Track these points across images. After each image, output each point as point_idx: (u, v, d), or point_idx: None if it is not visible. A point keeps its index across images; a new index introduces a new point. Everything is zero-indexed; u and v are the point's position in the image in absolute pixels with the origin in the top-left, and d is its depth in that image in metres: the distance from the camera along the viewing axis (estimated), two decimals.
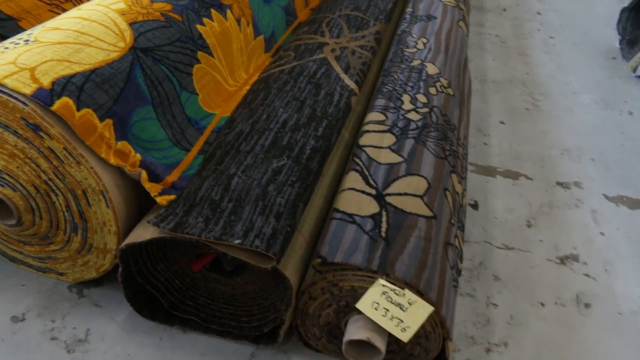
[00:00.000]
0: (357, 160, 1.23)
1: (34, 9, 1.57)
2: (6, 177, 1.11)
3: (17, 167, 1.09)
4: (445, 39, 1.83)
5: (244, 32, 1.55)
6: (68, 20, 1.22)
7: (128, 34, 1.21)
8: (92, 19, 1.22)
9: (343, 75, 1.48)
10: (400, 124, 1.35)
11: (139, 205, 1.16)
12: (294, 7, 1.89)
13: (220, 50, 1.42)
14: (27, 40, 1.13)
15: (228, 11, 1.50)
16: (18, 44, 1.13)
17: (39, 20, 1.55)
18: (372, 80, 1.65)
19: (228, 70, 1.44)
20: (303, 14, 1.96)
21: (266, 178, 1.09)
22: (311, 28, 1.76)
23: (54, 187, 1.09)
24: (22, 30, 1.50)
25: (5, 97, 1.00)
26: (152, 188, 1.08)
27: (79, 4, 1.69)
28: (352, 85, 1.45)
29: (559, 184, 1.80)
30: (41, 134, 1.02)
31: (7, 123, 1.03)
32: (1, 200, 1.16)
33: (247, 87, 1.47)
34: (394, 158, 1.24)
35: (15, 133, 1.04)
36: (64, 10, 1.63)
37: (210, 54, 1.38)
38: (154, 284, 1.17)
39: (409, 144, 1.29)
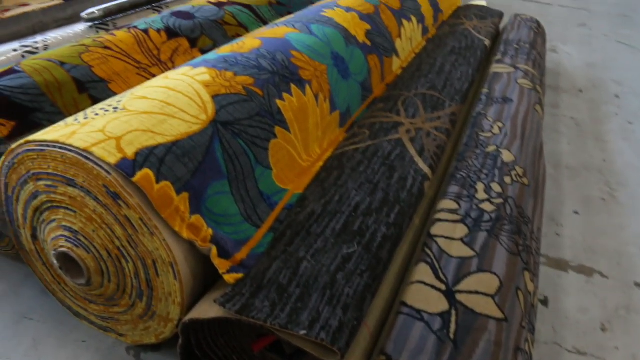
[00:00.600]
0: (428, 250, 1.19)
1: (124, 72, 1.64)
2: (82, 238, 1.13)
3: (93, 231, 1.11)
4: (522, 123, 1.79)
5: (320, 107, 1.56)
6: (155, 89, 1.26)
7: (210, 107, 1.24)
8: (178, 90, 1.26)
9: (417, 159, 1.46)
10: (474, 214, 1.31)
11: (206, 277, 1.15)
12: (370, 83, 1.90)
13: (296, 125, 1.43)
14: (116, 108, 1.17)
15: (307, 86, 1.52)
16: (108, 110, 1.17)
17: (127, 82, 1.62)
18: (445, 163, 1.63)
19: (303, 145, 1.45)
20: (379, 89, 1.97)
21: (335, 265, 1.07)
22: (387, 105, 1.76)
23: (126, 254, 1.10)
24: (111, 91, 1.57)
25: (91, 164, 1.03)
26: (220, 265, 1.07)
27: (165, 69, 1.76)
28: (425, 169, 1.43)
29: (637, 285, 1.69)
30: (120, 202, 1.04)
31: (89, 189, 1.06)
32: (74, 260, 1.18)
33: (321, 163, 1.47)
34: (466, 252, 1.19)
35: (95, 199, 1.06)
36: (151, 74, 1.70)
37: (287, 128, 1.39)
38: (212, 359, 1.15)
39: (481, 237, 1.24)
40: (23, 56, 1.81)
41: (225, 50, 1.56)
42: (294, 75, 1.51)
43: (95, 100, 1.51)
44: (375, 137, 1.55)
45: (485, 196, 1.38)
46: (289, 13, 2.42)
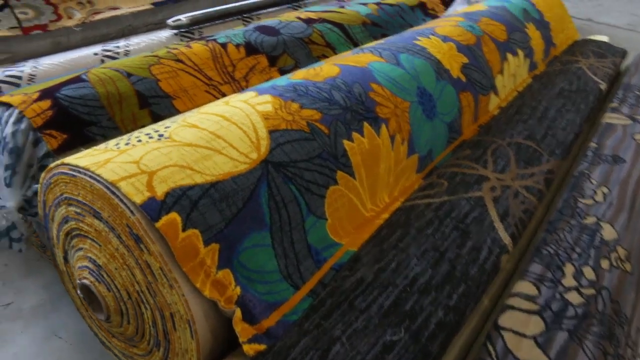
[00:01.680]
0: (490, 347, 0.99)
1: (192, 88, 1.55)
2: (104, 274, 1.04)
3: (116, 269, 1.01)
4: (633, 191, 1.52)
5: (396, 150, 1.39)
6: (209, 117, 1.14)
7: (264, 144, 1.10)
8: (233, 120, 1.14)
9: (498, 224, 1.25)
10: (555, 306, 1.09)
11: (227, 334, 1.02)
12: (460, 124, 1.70)
13: (364, 170, 1.27)
14: (162, 135, 1.07)
15: (383, 126, 1.36)
16: (152, 137, 1.06)
17: (192, 100, 1.53)
18: (531, 233, 1.40)
19: (369, 193, 1.28)
20: (469, 130, 1.76)
21: (373, 354, 0.89)
22: (474, 153, 1.55)
23: (145, 300, 0.99)
24: (174, 108, 1.48)
25: (117, 200, 0.92)
26: (243, 331, 0.93)
27: (237, 89, 1.66)
28: (506, 239, 1.22)
29: None
30: (142, 246, 0.92)
31: (113, 225, 0.96)
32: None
33: (386, 215, 1.29)
34: (537, 356, 0.98)
35: (118, 237, 0.96)
36: (220, 92, 1.60)
37: (352, 174, 1.23)
38: None
39: (561, 337, 1.02)
40: (102, 60, 1.78)
41: (298, 76, 1.43)
42: (369, 112, 1.35)
43: (155, 117, 1.43)
44: (453, 192, 1.35)
45: (573, 283, 1.15)
46: (384, 35, 2.26)
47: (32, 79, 1.62)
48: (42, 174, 1.08)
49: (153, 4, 2.16)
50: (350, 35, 2.09)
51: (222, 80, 1.64)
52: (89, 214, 1.01)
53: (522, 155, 1.58)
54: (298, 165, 1.12)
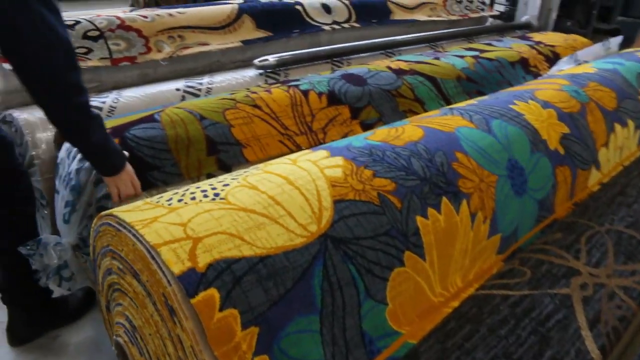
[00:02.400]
0: None
1: (265, 136, 1.48)
2: (138, 337, 0.96)
3: (149, 335, 0.93)
4: None
5: (476, 229, 1.24)
6: (272, 177, 1.06)
7: (327, 215, 1.00)
8: (297, 184, 1.05)
9: (585, 332, 1.07)
10: None
11: None
12: (552, 201, 1.53)
13: (436, 251, 1.13)
14: (217, 195, 0.99)
15: (464, 202, 1.22)
16: (207, 196, 0.99)
17: (264, 149, 1.46)
18: (626, 343, 1.20)
19: (439, 276, 1.15)
20: (563, 209, 1.58)
21: None
22: (565, 238, 1.38)
23: None
24: (242, 157, 1.42)
25: (155, 266, 0.85)
26: None
27: (313, 141, 1.58)
28: (594, 353, 1.04)
29: None
30: (175, 319, 0.84)
31: (150, 291, 0.88)
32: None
33: (456, 304, 1.15)
34: None
35: (154, 304, 0.88)
36: (295, 143, 1.53)
37: (422, 255, 1.10)
38: None
39: None
40: (183, 97, 1.76)
41: (377, 136, 1.32)
42: (450, 185, 1.22)
43: (221, 166, 1.37)
44: (536, 285, 1.19)
45: None
46: (479, 92, 2.11)
47: (112, 111, 1.61)
48: (95, 220, 1.03)
49: (242, 42, 2.14)
50: (442, 89, 1.97)
51: (299, 130, 1.57)
52: (129, 273, 0.94)
53: (623, 247, 1.38)
54: (361, 242, 1.01)
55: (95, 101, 1.64)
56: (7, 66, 1.61)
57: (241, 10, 2.19)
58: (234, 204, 0.97)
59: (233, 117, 1.47)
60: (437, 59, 2.16)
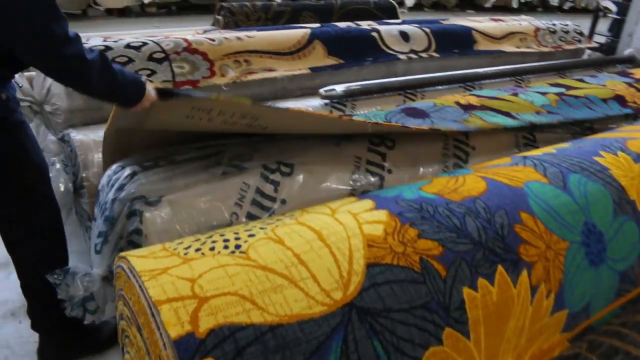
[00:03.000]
0: None
1: None
2: None
3: None
4: None
5: (537, 304, 1.08)
6: (302, 231, 0.97)
7: (356, 281, 0.89)
8: (328, 241, 0.94)
9: None
10: None
11: None
12: (637, 273, 1.32)
13: (484, 328, 0.99)
14: (239, 247, 0.91)
15: (524, 272, 1.07)
16: (227, 247, 0.91)
17: None
18: None
19: (486, 357, 1.00)
20: None
21: None
22: None
23: None
24: None
25: (154, 325, 0.78)
26: None
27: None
28: None
29: None
30: None
31: (149, 349, 0.81)
32: None
33: None
34: None
35: None
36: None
37: (466, 332, 0.96)
38: None
39: None
40: None
41: (433, 187, 1.20)
42: (509, 252, 1.07)
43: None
44: None
45: None
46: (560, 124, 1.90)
47: None
48: (116, 258, 0.98)
49: (311, 69, 2.07)
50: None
51: None
52: (134, 324, 0.87)
53: None
54: (392, 315, 0.89)
55: None
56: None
57: (313, 36, 2.12)
58: (253, 260, 0.88)
59: None
60: (515, 94, 1.98)
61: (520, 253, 1.08)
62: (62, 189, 1.48)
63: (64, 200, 1.52)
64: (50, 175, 1.47)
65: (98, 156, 1.48)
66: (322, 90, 1.88)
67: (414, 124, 1.61)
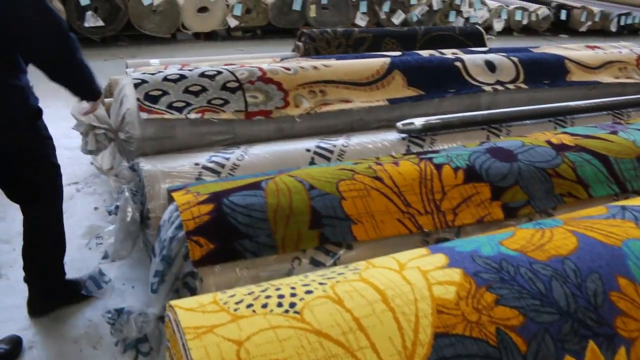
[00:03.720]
0: None
1: (381, 213, 1.30)
2: None
3: None
4: None
5: None
6: (364, 290, 0.88)
7: (421, 354, 0.79)
8: (393, 304, 0.85)
9: None
10: None
11: None
12: None
13: None
14: (293, 305, 0.83)
15: (621, 350, 0.92)
16: (281, 305, 0.84)
17: (377, 228, 1.27)
18: None
19: None
20: None
21: None
22: None
23: None
24: (350, 235, 1.24)
25: None
26: None
27: (440, 223, 1.35)
28: None
29: None
30: None
31: None
32: None
33: None
34: None
35: None
36: (416, 224, 1.32)
37: None
38: None
39: None
40: (312, 159, 1.63)
41: (515, 242, 1.07)
42: (603, 325, 0.93)
43: (323, 240, 1.21)
44: None
45: None
46: None
47: (234, 169, 1.55)
48: (166, 306, 0.93)
49: (389, 100, 1.97)
50: (615, 171, 1.61)
51: (424, 208, 1.35)
52: None
53: None
54: None
55: (218, 156, 1.58)
56: (144, 115, 1.63)
57: (392, 65, 2.03)
58: (307, 323, 0.80)
59: (347, 189, 1.30)
60: (614, 132, 1.79)
61: (617, 327, 0.94)
62: (128, 218, 1.48)
63: (130, 229, 1.51)
64: (119, 203, 1.48)
65: (165, 187, 1.47)
66: (399, 124, 1.78)
67: (498, 167, 1.49)
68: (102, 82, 2.09)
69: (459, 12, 6.36)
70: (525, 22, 6.82)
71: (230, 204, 1.19)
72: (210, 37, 5.61)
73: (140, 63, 2.47)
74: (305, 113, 1.81)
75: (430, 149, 1.76)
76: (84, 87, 1.49)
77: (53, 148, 1.56)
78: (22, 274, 1.75)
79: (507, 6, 6.73)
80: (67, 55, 1.38)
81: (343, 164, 1.43)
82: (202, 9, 5.34)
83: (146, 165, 1.52)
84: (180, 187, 1.33)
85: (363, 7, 5.85)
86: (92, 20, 4.74)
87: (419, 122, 1.79)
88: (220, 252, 1.14)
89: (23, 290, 1.72)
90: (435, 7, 6.15)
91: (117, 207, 1.56)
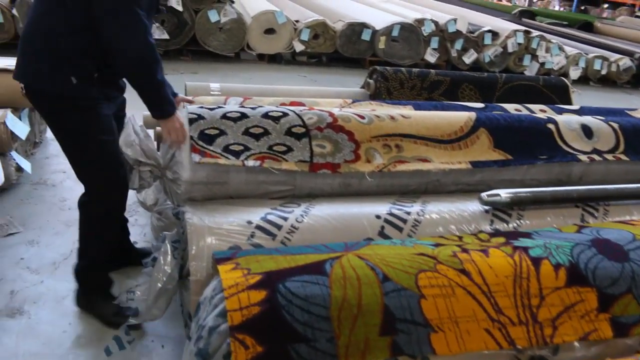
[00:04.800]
0: None
1: (466, 319, 1.07)
2: None
3: None
4: None
5: None
6: None
7: None
8: None
9: None
10: None
11: None
12: None
13: None
14: None
15: None
16: None
17: (460, 339, 1.06)
18: None
19: None
20: None
21: None
22: None
23: None
24: (427, 346, 1.01)
25: None
26: None
27: (536, 337, 1.11)
28: None
29: None
30: None
31: None
32: None
33: None
34: None
35: None
36: (507, 336, 1.09)
37: None
38: None
39: None
40: (382, 227, 1.41)
41: None
42: None
43: (395, 351, 0.98)
44: None
45: None
46: None
47: (292, 232, 1.34)
48: None
49: (472, 163, 1.73)
50: None
51: (517, 317, 1.11)
52: None
53: None
54: None
55: (274, 214, 1.38)
56: (196, 157, 1.46)
57: (478, 123, 1.79)
58: None
59: (426, 285, 1.08)
60: None
61: None
62: (165, 276, 1.30)
63: (166, 286, 1.33)
64: (158, 255, 1.32)
65: (211, 245, 1.28)
66: (484, 195, 1.54)
67: (607, 267, 1.24)
68: None
69: (534, 57, 6.02)
70: (604, 72, 6.42)
71: (287, 293, 0.98)
72: (274, 59, 5.49)
73: (199, 87, 2.29)
74: (377, 170, 1.60)
75: (520, 229, 1.52)
76: (152, 102, 1.51)
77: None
78: (46, 313, 1.65)
79: (586, 54, 6.36)
80: (139, 74, 1.46)
81: (422, 245, 1.21)
82: (269, 31, 5.23)
83: (192, 217, 1.33)
84: (228, 255, 1.14)
85: (434, 42, 5.62)
86: (157, 33, 4.69)
87: (506, 195, 1.55)
88: (270, 358, 0.93)
89: (43, 333, 1.55)
90: (509, 50, 5.84)
91: (154, 258, 1.38)
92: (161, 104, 1.50)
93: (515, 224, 1.54)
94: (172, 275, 1.32)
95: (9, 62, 2.43)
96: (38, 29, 1.48)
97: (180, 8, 4.81)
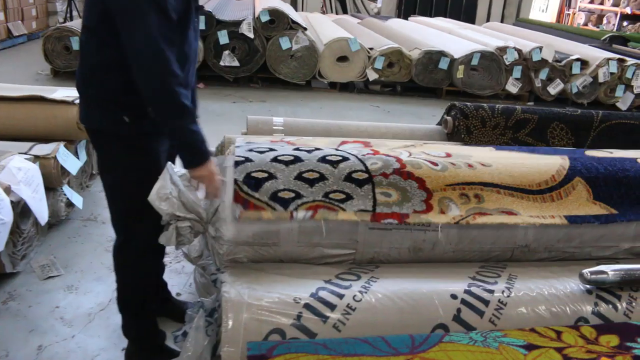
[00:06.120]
0: None
1: None
2: None
3: None
4: None
5: None
6: None
7: None
8: None
9: None
10: None
11: None
12: None
13: None
14: None
15: None
16: None
17: None
18: None
19: None
20: None
21: None
22: None
23: None
24: None
25: None
26: None
27: None
28: None
29: None
30: None
31: None
32: None
33: None
34: None
35: None
36: None
37: None
38: None
39: None
40: (458, 311, 1.14)
41: None
42: None
43: None
44: None
45: None
46: None
47: (348, 313, 1.11)
48: None
49: (567, 217, 1.43)
50: None
51: None
52: None
53: None
54: None
55: (329, 291, 1.16)
56: (237, 208, 1.26)
57: (573, 171, 1.50)
58: None
59: None
60: None
61: None
62: (196, 357, 1.11)
63: None
64: (189, 329, 1.13)
65: (248, 326, 1.07)
66: (586, 272, 1.25)
67: None
68: (220, 131, 1.79)
69: (628, 87, 5.52)
70: None
71: None
72: (346, 87, 5.31)
73: (261, 121, 2.12)
74: (453, 222, 1.34)
75: (632, 319, 1.22)
76: (185, 148, 1.33)
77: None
78: None
79: None
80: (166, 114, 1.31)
81: (510, 348, 0.95)
82: (342, 58, 5.07)
83: (231, 289, 1.13)
84: (264, 352, 0.93)
85: (517, 72, 5.27)
86: (228, 60, 4.63)
87: (613, 272, 1.26)
88: None
89: None
90: (600, 79, 5.38)
91: (185, 333, 1.19)
92: (184, 136, 1.30)
93: (626, 310, 1.24)
94: (204, 357, 1.13)
95: (69, 93, 2.38)
96: (82, 68, 1.43)
97: (251, 35, 4.75)
